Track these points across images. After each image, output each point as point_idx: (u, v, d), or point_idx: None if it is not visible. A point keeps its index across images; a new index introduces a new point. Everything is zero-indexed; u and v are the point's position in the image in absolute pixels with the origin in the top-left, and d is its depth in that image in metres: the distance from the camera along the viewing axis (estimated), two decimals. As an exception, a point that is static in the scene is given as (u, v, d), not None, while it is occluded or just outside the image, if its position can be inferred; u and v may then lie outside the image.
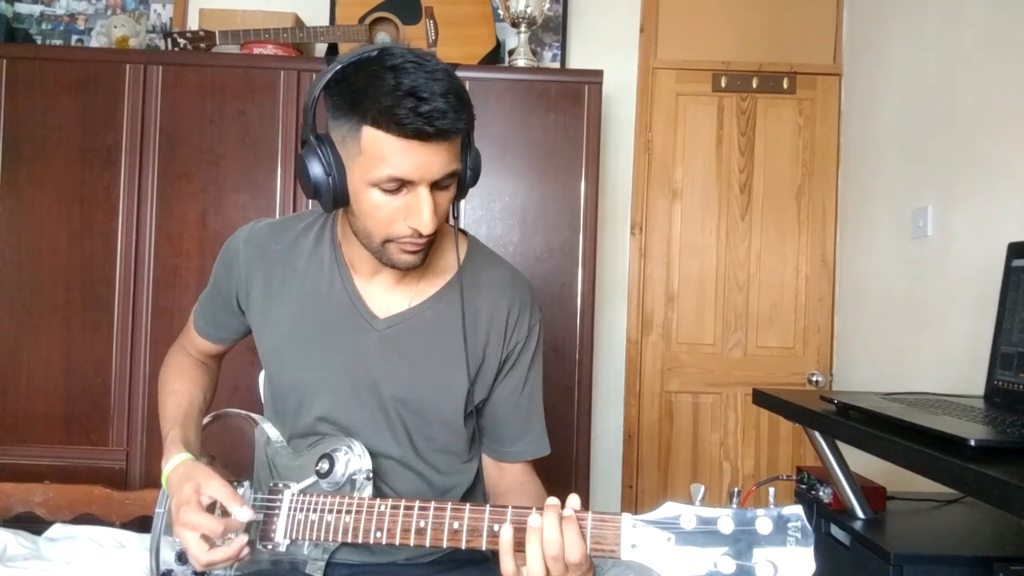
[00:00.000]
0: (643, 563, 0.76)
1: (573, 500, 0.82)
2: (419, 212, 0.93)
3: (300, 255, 1.11)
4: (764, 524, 0.73)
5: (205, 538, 0.93)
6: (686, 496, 0.78)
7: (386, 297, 1.09)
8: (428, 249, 1.02)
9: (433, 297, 1.09)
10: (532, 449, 1.15)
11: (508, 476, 1.16)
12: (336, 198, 0.96)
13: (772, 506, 0.74)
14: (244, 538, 0.95)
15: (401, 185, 0.92)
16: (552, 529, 0.79)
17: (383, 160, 0.90)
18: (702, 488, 0.78)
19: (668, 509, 0.76)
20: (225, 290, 1.16)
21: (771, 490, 0.77)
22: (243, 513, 0.94)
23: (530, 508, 0.84)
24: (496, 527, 0.84)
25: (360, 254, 1.05)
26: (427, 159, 0.91)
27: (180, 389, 1.17)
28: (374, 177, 0.92)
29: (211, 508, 0.96)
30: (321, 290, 1.10)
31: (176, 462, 1.03)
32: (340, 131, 0.93)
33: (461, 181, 1.00)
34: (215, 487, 0.96)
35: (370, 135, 0.90)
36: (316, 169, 0.94)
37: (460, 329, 1.08)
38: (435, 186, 0.94)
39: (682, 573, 0.74)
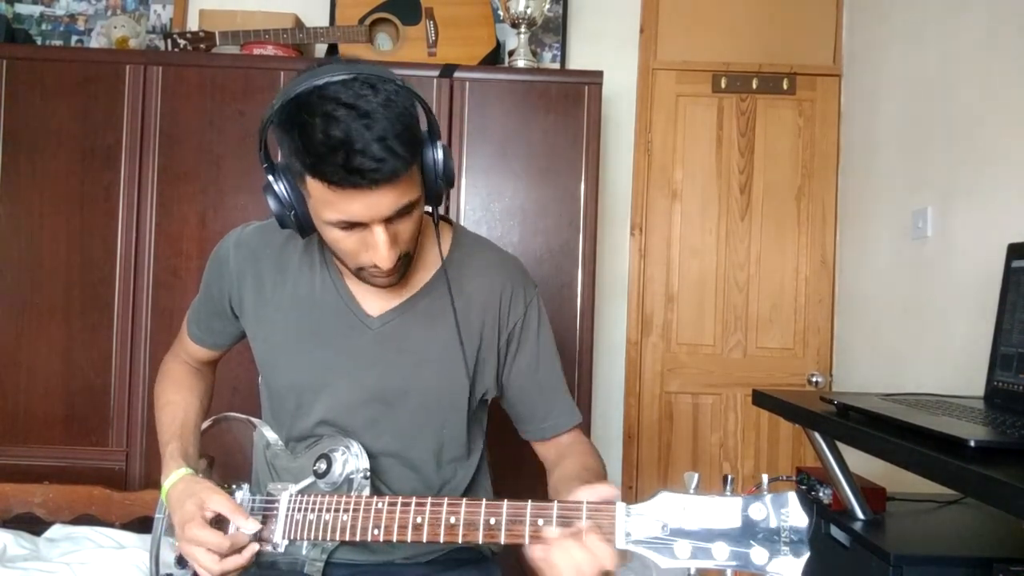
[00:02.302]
0: (638, 551, 0.76)
1: (604, 491, 0.81)
2: (376, 249, 0.93)
3: (290, 258, 1.11)
4: (758, 511, 0.73)
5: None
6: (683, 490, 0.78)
7: (377, 295, 1.08)
8: (407, 265, 1.02)
9: (423, 289, 1.09)
10: (565, 420, 1.15)
11: (556, 449, 1.16)
12: (302, 229, 0.97)
13: (766, 493, 0.74)
14: (255, 546, 0.96)
15: (354, 224, 0.92)
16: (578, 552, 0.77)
17: (329, 205, 0.90)
18: (696, 476, 0.78)
19: (662, 498, 0.76)
20: (217, 296, 1.15)
21: (764, 476, 0.77)
22: (249, 526, 0.95)
23: (526, 503, 0.83)
24: (492, 520, 0.84)
25: None
26: (372, 203, 0.88)
27: (176, 400, 1.17)
28: (326, 218, 0.92)
29: (214, 522, 0.97)
30: (314, 292, 1.10)
31: (176, 477, 1.03)
32: (293, 169, 0.92)
33: (433, 190, 0.98)
34: (218, 502, 0.97)
35: (312, 183, 0.89)
36: (276, 206, 0.95)
37: (453, 317, 1.08)
38: (393, 217, 0.92)
39: (677, 560, 0.74)
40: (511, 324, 1.12)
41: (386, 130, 0.84)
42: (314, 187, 0.89)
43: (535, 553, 0.80)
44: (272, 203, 0.95)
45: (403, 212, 0.92)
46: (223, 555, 0.94)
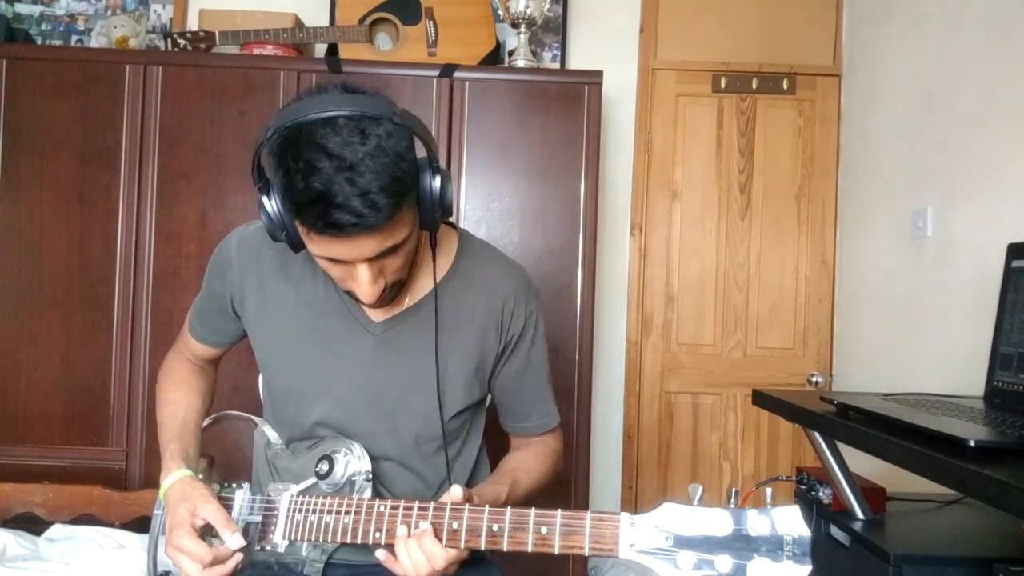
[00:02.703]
0: (641, 562, 0.76)
1: (454, 491, 0.91)
2: (359, 285, 0.93)
3: (294, 260, 1.10)
4: (761, 523, 0.73)
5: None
6: (685, 497, 0.79)
7: None
8: (398, 290, 1.02)
9: (427, 297, 1.09)
10: (540, 423, 1.20)
11: (523, 444, 1.22)
12: (294, 246, 0.96)
13: (769, 505, 0.75)
14: (238, 556, 0.96)
15: (338, 259, 0.91)
16: (415, 552, 0.87)
17: (312, 243, 0.90)
18: (700, 488, 0.78)
19: (666, 509, 0.77)
20: (219, 295, 1.15)
21: (768, 490, 0.77)
22: (234, 541, 0.96)
23: (529, 510, 0.84)
24: (495, 526, 0.84)
25: None
26: (353, 247, 0.88)
27: (178, 399, 1.17)
28: (311, 251, 0.92)
29: (205, 528, 0.97)
30: (317, 296, 1.09)
31: (174, 479, 1.03)
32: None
33: (429, 218, 0.96)
34: (210, 511, 0.97)
35: (297, 222, 0.89)
36: (268, 224, 0.93)
37: (458, 325, 1.09)
38: (378, 256, 0.91)
39: (680, 571, 0.74)
40: (510, 335, 1.13)
41: (370, 184, 0.82)
42: (299, 227, 0.89)
43: (382, 554, 0.89)
44: (265, 220, 0.93)
45: (388, 252, 0.91)
46: (206, 565, 0.94)
